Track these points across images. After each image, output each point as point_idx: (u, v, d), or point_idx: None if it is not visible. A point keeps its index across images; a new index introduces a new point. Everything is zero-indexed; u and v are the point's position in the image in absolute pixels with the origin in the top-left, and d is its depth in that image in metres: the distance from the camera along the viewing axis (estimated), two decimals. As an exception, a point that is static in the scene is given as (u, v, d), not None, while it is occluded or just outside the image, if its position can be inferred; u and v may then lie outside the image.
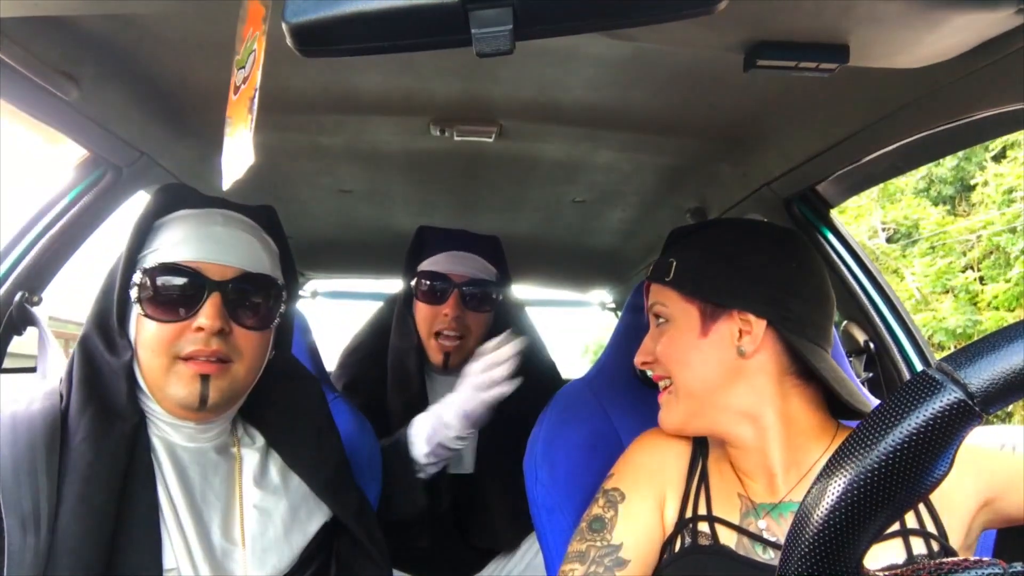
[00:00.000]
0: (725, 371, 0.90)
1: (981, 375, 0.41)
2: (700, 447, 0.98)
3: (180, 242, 0.90)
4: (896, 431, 0.41)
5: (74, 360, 0.91)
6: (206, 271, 0.89)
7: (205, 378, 0.88)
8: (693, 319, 0.92)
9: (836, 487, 0.43)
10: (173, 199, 0.95)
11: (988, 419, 0.42)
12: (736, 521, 0.89)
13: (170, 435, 0.92)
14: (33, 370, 1.36)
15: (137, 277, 0.89)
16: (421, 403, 1.49)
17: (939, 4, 0.71)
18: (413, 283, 1.55)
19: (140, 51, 1.16)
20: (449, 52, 0.52)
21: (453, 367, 1.50)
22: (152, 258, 0.90)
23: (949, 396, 0.41)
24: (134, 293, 0.88)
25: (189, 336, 0.87)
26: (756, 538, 0.86)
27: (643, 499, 0.92)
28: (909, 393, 0.42)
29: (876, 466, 0.42)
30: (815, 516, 0.43)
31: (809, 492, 0.45)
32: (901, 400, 0.42)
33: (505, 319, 1.60)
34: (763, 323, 0.88)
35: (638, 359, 0.99)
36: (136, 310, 0.89)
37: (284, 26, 0.50)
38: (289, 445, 1.01)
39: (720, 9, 0.52)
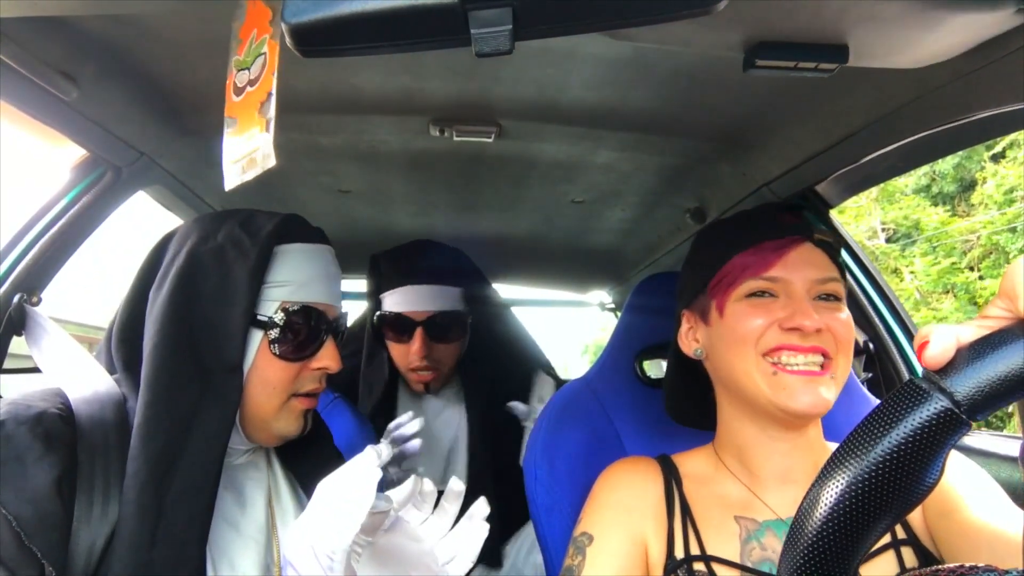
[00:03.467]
0: None
1: (967, 383, 0.41)
2: (671, 472, 0.93)
3: (309, 281, 0.90)
4: (884, 441, 0.42)
5: (147, 416, 0.77)
6: (327, 313, 0.92)
7: (307, 412, 0.91)
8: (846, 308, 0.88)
9: (828, 499, 0.43)
10: (290, 228, 0.94)
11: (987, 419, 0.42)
12: (736, 551, 0.84)
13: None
14: (35, 370, 1.35)
15: (279, 317, 0.86)
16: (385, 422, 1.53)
17: (939, 4, 0.71)
18: (376, 320, 1.55)
19: (139, 51, 1.16)
20: (449, 52, 0.52)
21: (436, 392, 1.56)
22: (283, 293, 0.88)
23: (936, 405, 0.41)
24: (275, 333, 0.86)
25: (308, 375, 0.90)
26: (760, 574, 0.82)
27: (613, 538, 0.87)
28: (896, 403, 0.43)
29: (867, 477, 0.42)
30: (808, 528, 0.43)
31: (802, 504, 0.45)
32: (888, 410, 0.43)
33: (490, 321, 1.61)
34: None
35: (815, 323, 0.81)
36: (265, 346, 0.86)
37: (283, 26, 0.50)
38: (306, 469, 0.99)
39: (719, 9, 0.52)
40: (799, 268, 0.86)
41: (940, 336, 0.42)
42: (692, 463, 0.95)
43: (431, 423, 1.57)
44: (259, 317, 0.86)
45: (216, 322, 0.82)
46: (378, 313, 1.54)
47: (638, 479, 0.92)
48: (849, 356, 0.85)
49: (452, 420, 1.58)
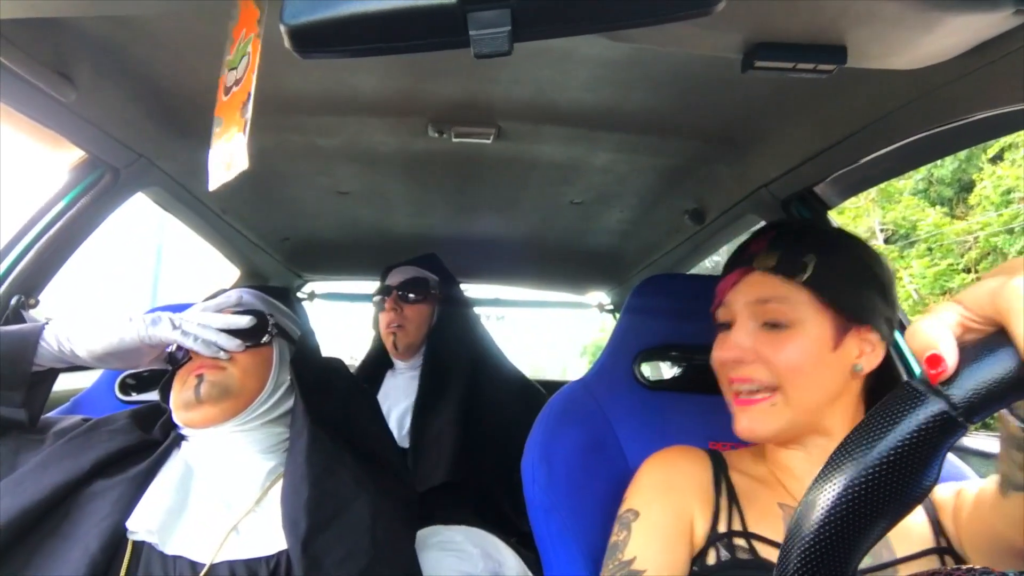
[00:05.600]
0: (836, 388, 0.85)
1: (963, 386, 0.41)
2: (718, 460, 0.94)
3: None
4: (881, 444, 0.42)
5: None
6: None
7: (199, 379, 1.07)
8: (825, 328, 0.85)
9: (825, 501, 0.43)
10: None
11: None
12: (780, 533, 0.83)
13: None
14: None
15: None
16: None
17: (937, 5, 0.71)
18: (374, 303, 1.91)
19: (137, 52, 1.16)
20: (447, 53, 0.52)
21: (403, 352, 1.83)
22: None
23: (932, 408, 0.41)
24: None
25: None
26: None
27: (659, 513, 0.88)
28: (892, 405, 0.43)
29: (863, 479, 0.42)
30: (805, 529, 0.43)
31: (799, 505, 0.45)
32: (885, 413, 0.43)
33: (457, 321, 1.87)
34: (884, 345, 0.87)
35: (732, 355, 0.87)
36: None
37: (282, 27, 0.50)
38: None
39: (718, 10, 0.52)
40: (740, 294, 0.90)
41: (948, 346, 0.41)
42: (739, 458, 0.96)
43: (396, 387, 1.87)
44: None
45: None
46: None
47: (686, 462, 0.94)
48: (800, 382, 0.84)
49: (411, 383, 1.82)
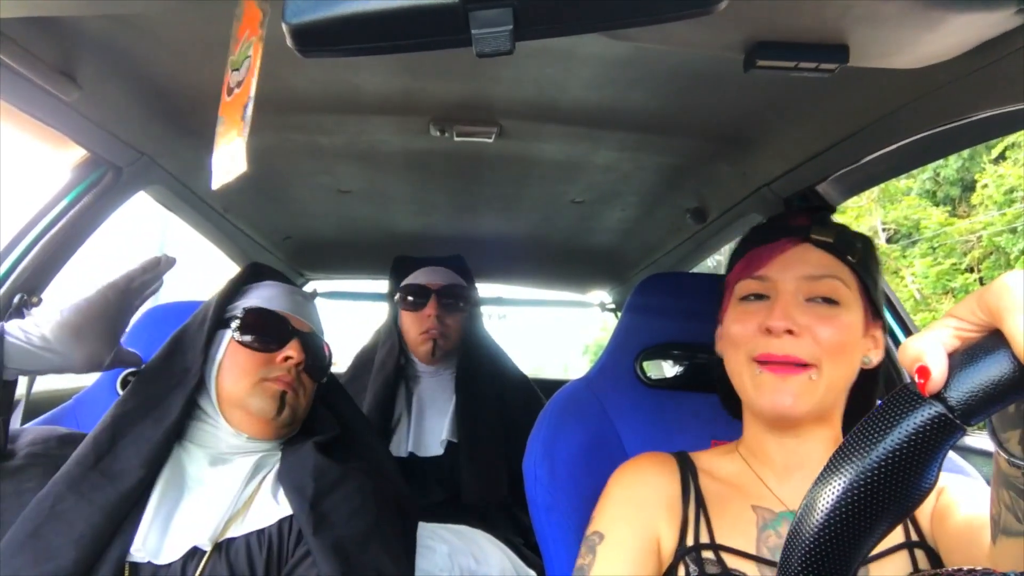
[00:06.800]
0: (853, 376, 0.86)
1: (961, 388, 0.41)
2: (687, 466, 0.93)
3: (271, 298, 1.11)
4: (880, 447, 0.42)
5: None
6: (290, 320, 1.08)
7: (283, 395, 1.03)
8: (860, 314, 0.85)
9: (825, 503, 0.43)
10: (260, 272, 1.19)
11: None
12: (753, 539, 0.83)
13: None
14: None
15: (240, 314, 1.07)
16: (390, 407, 1.73)
17: (939, 4, 0.71)
18: (397, 298, 1.81)
19: (140, 51, 1.16)
20: (449, 52, 0.52)
21: (438, 359, 1.77)
22: (248, 304, 1.09)
23: (930, 410, 0.41)
24: (236, 327, 1.05)
25: (275, 365, 1.05)
26: (772, 564, 0.81)
27: (624, 534, 0.86)
28: (891, 408, 0.43)
29: (863, 481, 0.42)
30: (806, 531, 0.43)
31: (800, 508, 0.45)
32: (883, 416, 0.43)
33: (481, 328, 1.90)
34: (883, 346, 0.89)
35: (784, 324, 0.82)
36: (232, 341, 1.05)
37: (284, 26, 0.50)
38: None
39: (720, 9, 0.52)
40: (790, 267, 0.86)
41: (936, 357, 0.42)
42: (710, 459, 0.95)
43: (429, 391, 1.80)
44: (224, 317, 1.08)
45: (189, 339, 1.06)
46: (401, 285, 1.80)
47: (652, 474, 0.92)
48: (839, 361, 0.82)
49: (446, 387, 1.78)
